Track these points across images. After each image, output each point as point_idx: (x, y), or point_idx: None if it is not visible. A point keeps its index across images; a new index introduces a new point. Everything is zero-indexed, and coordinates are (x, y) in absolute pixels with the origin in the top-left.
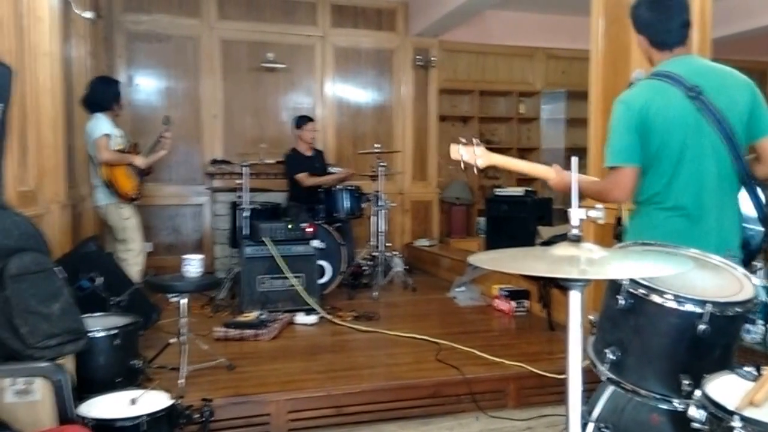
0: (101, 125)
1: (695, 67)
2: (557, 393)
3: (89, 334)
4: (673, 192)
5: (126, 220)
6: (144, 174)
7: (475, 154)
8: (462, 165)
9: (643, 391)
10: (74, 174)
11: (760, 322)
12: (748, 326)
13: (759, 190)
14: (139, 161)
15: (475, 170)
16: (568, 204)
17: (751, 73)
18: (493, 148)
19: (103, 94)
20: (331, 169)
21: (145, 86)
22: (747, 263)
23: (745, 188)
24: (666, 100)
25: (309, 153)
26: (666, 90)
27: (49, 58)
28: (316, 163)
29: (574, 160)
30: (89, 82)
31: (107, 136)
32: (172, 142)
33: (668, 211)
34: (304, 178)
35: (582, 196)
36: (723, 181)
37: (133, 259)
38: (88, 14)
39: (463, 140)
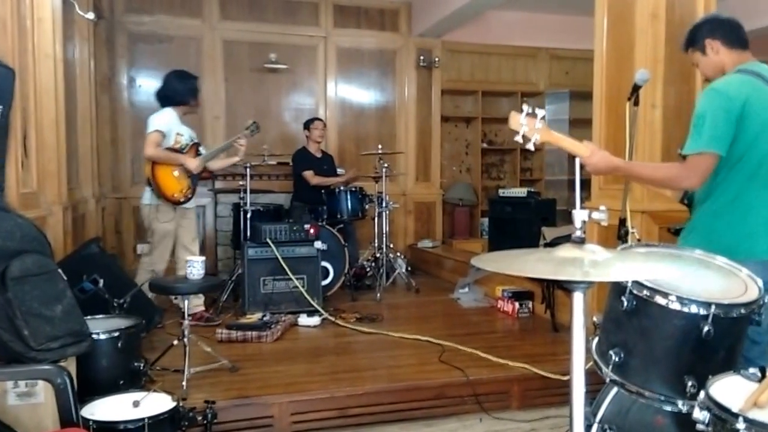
0: (158, 120)
1: None
2: (561, 394)
3: (92, 337)
4: (755, 194)
5: (160, 223)
6: (201, 178)
7: (535, 128)
8: (519, 137)
9: (647, 393)
10: (77, 175)
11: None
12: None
13: None
14: (192, 163)
15: (531, 145)
16: (573, 205)
17: None
18: (495, 149)
19: (174, 89)
20: (339, 172)
21: (147, 87)
22: None
23: None
24: (762, 100)
25: (318, 155)
26: (761, 89)
27: (51, 59)
28: (324, 165)
29: (578, 161)
30: (165, 75)
31: (159, 132)
32: (246, 149)
33: (748, 213)
34: (311, 177)
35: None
36: None
37: (146, 266)
38: (90, 15)
39: (528, 108)
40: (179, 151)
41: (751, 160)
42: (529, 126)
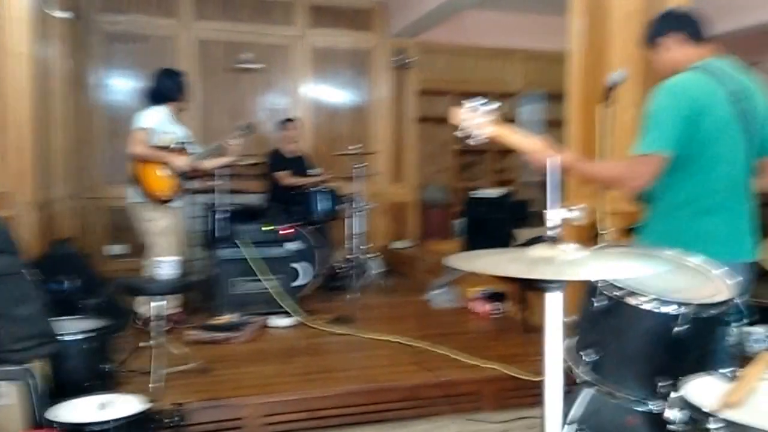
0: (144, 118)
1: (730, 71)
2: (534, 395)
3: (61, 338)
4: (713, 194)
5: (148, 222)
6: (191, 177)
7: (477, 124)
8: (460, 132)
9: (619, 393)
10: (48, 175)
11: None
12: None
13: None
14: (180, 162)
15: (473, 141)
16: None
17: None
18: (470, 150)
19: (164, 85)
20: (312, 172)
21: (121, 87)
22: None
23: None
24: (714, 97)
25: (292, 155)
26: (714, 87)
27: (24, 58)
28: (297, 165)
29: (551, 161)
30: (153, 73)
31: (144, 129)
32: (239, 150)
33: (708, 215)
34: (283, 177)
35: (580, 181)
36: (748, 186)
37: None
38: (65, 14)
39: (470, 103)
40: (168, 149)
41: (702, 160)
42: (472, 121)
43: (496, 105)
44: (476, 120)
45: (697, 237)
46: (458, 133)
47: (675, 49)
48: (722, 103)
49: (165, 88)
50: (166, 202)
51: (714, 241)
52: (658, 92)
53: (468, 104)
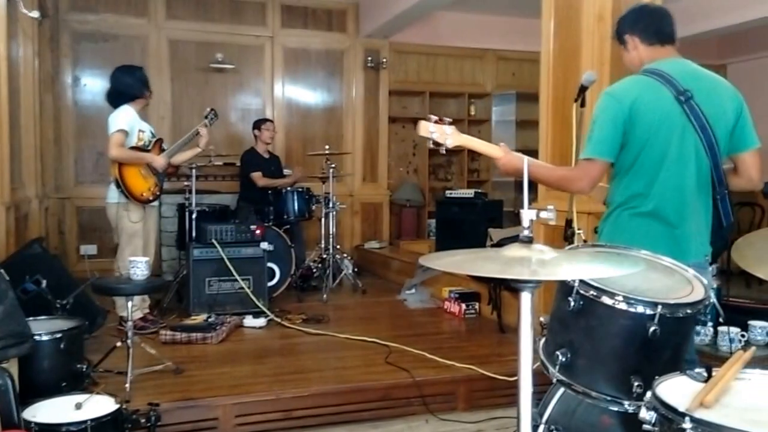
0: (119, 120)
1: (687, 71)
2: (508, 395)
3: (33, 338)
4: (654, 196)
5: (130, 222)
6: (167, 174)
7: (445, 133)
8: (430, 143)
9: (593, 393)
10: (19, 175)
11: (710, 323)
12: (698, 328)
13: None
14: (159, 161)
15: (443, 150)
16: (519, 206)
17: None
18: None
19: (125, 84)
20: (285, 172)
21: (91, 86)
22: None
23: (717, 196)
24: (656, 99)
25: (266, 155)
26: (656, 89)
27: None
28: (272, 166)
29: (525, 160)
30: (111, 74)
31: (122, 131)
32: (208, 140)
33: (647, 216)
34: (259, 178)
35: (534, 182)
36: (701, 187)
37: (123, 270)
38: (34, 14)
39: (434, 117)
40: (144, 148)
41: (647, 162)
42: (439, 132)
43: (450, 120)
44: (443, 131)
45: (635, 238)
46: (429, 145)
47: (641, 48)
48: (667, 104)
49: (127, 86)
50: (150, 201)
51: (654, 242)
52: (602, 97)
53: (434, 118)
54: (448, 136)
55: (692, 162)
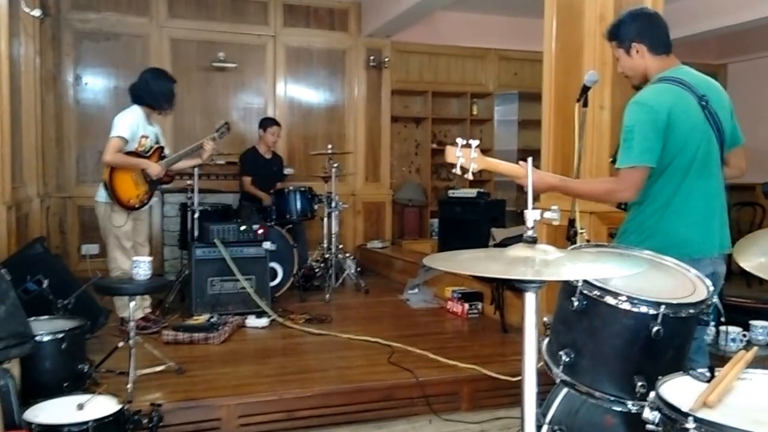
0: (122, 125)
1: (697, 77)
2: (511, 395)
3: (35, 338)
4: (684, 198)
5: (114, 226)
6: (160, 182)
7: (471, 158)
8: (457, 168)
9: (597, 393)
10: (21, 174)
11: (713, 323)
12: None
13: None
14: (154, 169)
15: (470, 175)
16: (522, 206)
17: None
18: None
19: (148, 90)
20: (286, 171)
21: (93, 85)
22: None
23: None
24: (687, 107)
25: (268, 156)
26: (684, 96)
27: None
28: (274, 166)
29: (529, 161)
30: (142, 72)
31: (121, 138)
32: (213, 152)
33: (678, 217)
34: (248, 183)
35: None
36: (721, 185)
37: (115, 270)
38: (36, 12)
39: (462, 141)
40: (142, 154)
41: (679, 166)
42: (465, 157)
43: (477, 142)
44: (469, 155)
45: (670, 238)
46: (455, 171)
47: (648, 58)
48: (694, 109)
49: (147, 92)
50: (136, 209)
51: (687, 241)
52: (634, 106)
53: (460, 142)
54: (473, 160)
55: (714, 162)
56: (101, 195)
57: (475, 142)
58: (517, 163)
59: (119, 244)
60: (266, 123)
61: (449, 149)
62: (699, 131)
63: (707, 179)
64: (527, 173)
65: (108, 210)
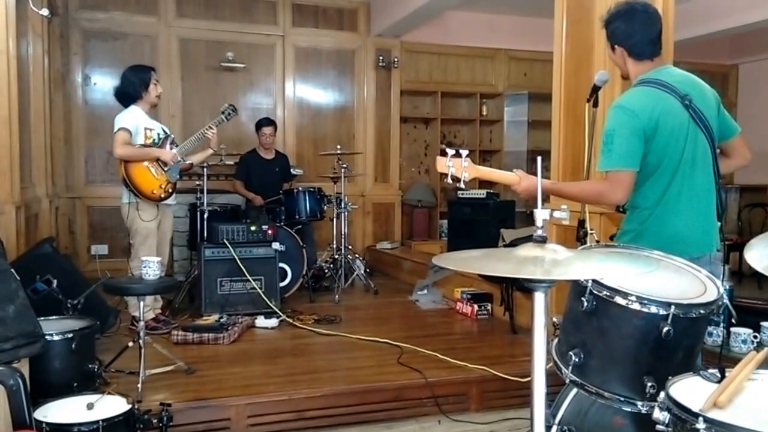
0: (122, 119)
1: (678, 76)
2: (520, 396)
3: (45, 338)
4: (674, 198)
5: (143, 221)
6: (183, 171)
7: (461, 167)
8: (449, 178)
9: (606, 394)
10: (29, 174)
11: (723, 324)
12: (710, 329)
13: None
14: (167, 155)
15: (462, 184)
16: (532, 206)
17: (713, 76)
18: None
19: (128, 83)
20: (293, 171)
21: (101, 85)
22: None
23: (717, 188)
24: (668, 108)
25: (268, 156)
26: (666, 98)
27: (4, 55)
28: (276, 166)
29: (539, 160)
30: (121, 75)
31: (125, 130)
32: (218, 141)
33: (670, 216)
34: (238, 185)
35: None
36: (710, 183)
37: (135, 270)
38: (44, 12)
39: (451, 151)
40: (154, 145)
41: (666, 168)
42: (456, 166)
43: (467, 152)
44: (460, 164)
45: (663, 238)
46: (446, 180)
47: (629, 63)
48: (677, 110)
49: (128, 85)
50: (162, 199)
51: (686, 240)
52: (615, 110)
53: (450, 152)
54: (465, 169)
55: (702, 161)
56: (124, 196)
57: (465, 152)
58: (524, 165)
59: (145, 243)
60: (259, 123)
61: (439, 159)
62: (684, 131)
63: (698, 178)
64: (519, 180)
65: (133, 209)
